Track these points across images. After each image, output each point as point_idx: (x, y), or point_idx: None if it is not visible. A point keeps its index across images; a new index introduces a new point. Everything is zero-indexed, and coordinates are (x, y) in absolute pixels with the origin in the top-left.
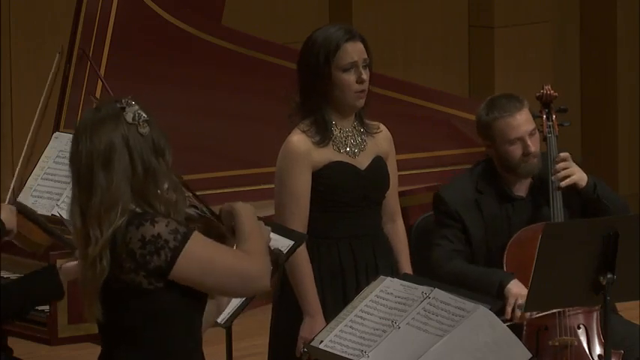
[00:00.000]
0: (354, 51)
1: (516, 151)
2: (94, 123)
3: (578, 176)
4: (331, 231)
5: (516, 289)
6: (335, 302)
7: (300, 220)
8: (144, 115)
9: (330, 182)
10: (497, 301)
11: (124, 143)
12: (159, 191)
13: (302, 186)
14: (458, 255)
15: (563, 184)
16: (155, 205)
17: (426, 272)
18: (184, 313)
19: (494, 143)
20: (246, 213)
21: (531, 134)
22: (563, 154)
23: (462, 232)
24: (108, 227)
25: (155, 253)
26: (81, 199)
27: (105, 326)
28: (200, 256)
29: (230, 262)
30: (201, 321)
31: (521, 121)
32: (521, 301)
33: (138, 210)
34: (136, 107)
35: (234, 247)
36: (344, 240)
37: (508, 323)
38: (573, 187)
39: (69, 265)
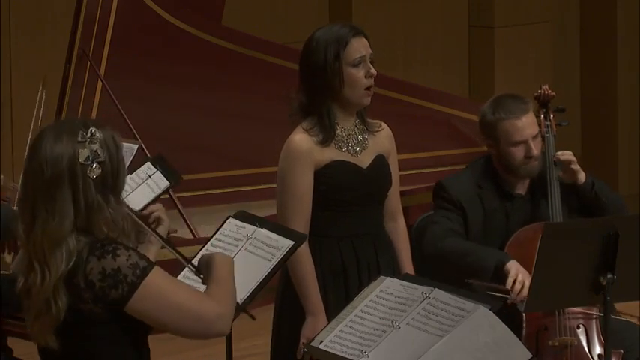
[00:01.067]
0: (362, 46)
1: (519, 153)
2: (48, 141)
3: (578, 168)
4: (333, 230)
5: (517, 266)
6: (337, 301)
7: (302, 220)
8: (100, 155)
9: (332, 181)
10: (497, 301)
11: (69, 179)
12: (102, 222)
13: (304, 185)
14: (454, 233)
15: (563, 159)
16: (98, 237)
17: (426, 272)
18: (137, 341)
19: (496, 143)
20: (222, 262)
21: (535, 137)
22: (560, 152)
23: (462, 219)
24: (56, 270)
25: (114, 286)
26: (24, 218)
27: (58, 355)
28: (156, 292)
29: (186, 301)
30: (147, 345)
31: (527, 124)
32: (522, 276)
33: (102, 234)
34: (96, 146)
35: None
36: (346, 239)
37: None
38: (572, 184)
39: None
